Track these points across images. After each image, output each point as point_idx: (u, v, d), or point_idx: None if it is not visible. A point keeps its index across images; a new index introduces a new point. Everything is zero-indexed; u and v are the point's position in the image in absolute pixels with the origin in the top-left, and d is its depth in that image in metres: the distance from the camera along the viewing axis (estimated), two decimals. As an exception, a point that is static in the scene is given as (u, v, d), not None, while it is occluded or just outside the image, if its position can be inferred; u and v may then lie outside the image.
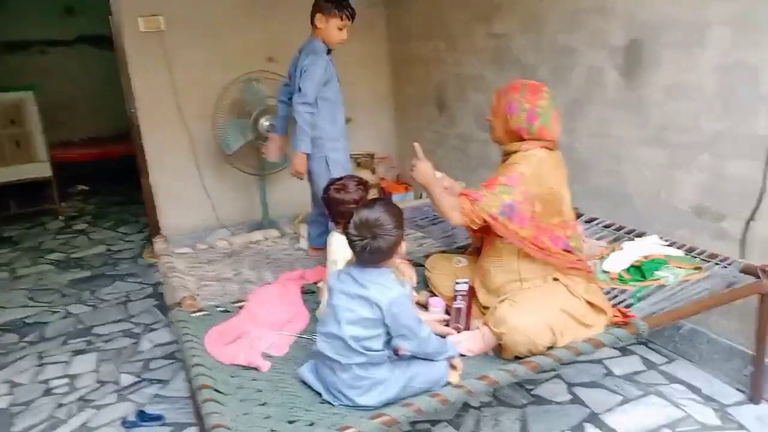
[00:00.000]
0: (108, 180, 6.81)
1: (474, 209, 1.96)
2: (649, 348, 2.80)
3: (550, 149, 2.04)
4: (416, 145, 2.12)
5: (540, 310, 1.91)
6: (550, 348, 1.91)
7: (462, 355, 1.96)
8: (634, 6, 2.67)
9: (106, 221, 5.54)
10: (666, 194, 2.67)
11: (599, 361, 2.70)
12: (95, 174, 6.90)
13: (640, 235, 2.63)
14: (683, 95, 2.51)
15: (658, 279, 2.28)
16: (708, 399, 2.41)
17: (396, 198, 4.69)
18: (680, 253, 2.44)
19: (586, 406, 2.41)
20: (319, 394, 1.79)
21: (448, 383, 1.79)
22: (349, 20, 2.84)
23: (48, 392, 2.79)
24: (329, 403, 1.76)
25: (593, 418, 2.34)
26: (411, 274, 2.26)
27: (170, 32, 4.12)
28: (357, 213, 1.71)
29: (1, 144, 5.29)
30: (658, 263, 2.33)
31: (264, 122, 3.95)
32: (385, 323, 1.67)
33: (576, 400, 2.46)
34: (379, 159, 4.91)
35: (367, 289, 1.67)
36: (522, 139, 2.03)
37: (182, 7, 4.10)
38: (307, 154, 2.92)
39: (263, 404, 1.76)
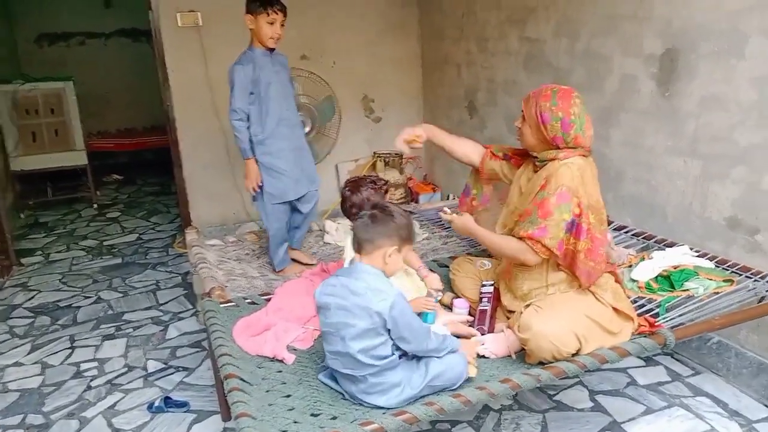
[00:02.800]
0: (141, 171, 6.98)
1: (546, 245, 1.93)
2: (675, 359, 2.77)
3: (585, 156, 2.01)
4: (441, 214, 2.25)
5: (565, 317, 1.90)
6: (575, 354, 1.90)
7: (485, 357, 1.97)
8: (671, 14, 2.64)
9: (138, 211, 5.67)
10: (699, 205, 2.63)
11: (623, 370, 2.68)
12: (129, 164, 7.07)
13: (670, 245, 2.60)
14: (719, 106, 2.48)
15: (687, 290, 2.25)
16: (734, 414, 2.38)
17: (423, 198, 4.71)
18: (711, 265, 2.42)
19: (608, 415, 2.40)
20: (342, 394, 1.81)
21: (468, 378, 1.81)
22: (277, 14, 2.76)
23: (78, 374, 2.88)
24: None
25: (615, 426, 2.33)
26: (438, 285, 2.25)
27: (207, 28, 4.20)
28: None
29: (41, 132, 5.43)
30: (687, 274, 2.31)
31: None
32: (387, 328, 1.66)
33: (598, 408, 2.44)
34: (408, 159, 4.93)
35: (365, 297, 1.66)
36: (557, 148, 1.99)
37: (219, 4, 4.16)
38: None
39: (287, 396, 1.78)
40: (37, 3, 6.63)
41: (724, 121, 2.47)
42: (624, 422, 2.35)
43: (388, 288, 1.69)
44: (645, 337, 1.98)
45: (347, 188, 2.36)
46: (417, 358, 1.77)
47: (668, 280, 2.32)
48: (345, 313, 1.68)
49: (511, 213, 2.14)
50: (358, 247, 1.77)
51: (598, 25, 3.06)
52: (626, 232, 2.85)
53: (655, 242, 2.70)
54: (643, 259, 2.49)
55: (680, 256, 2.44)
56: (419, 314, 1.95)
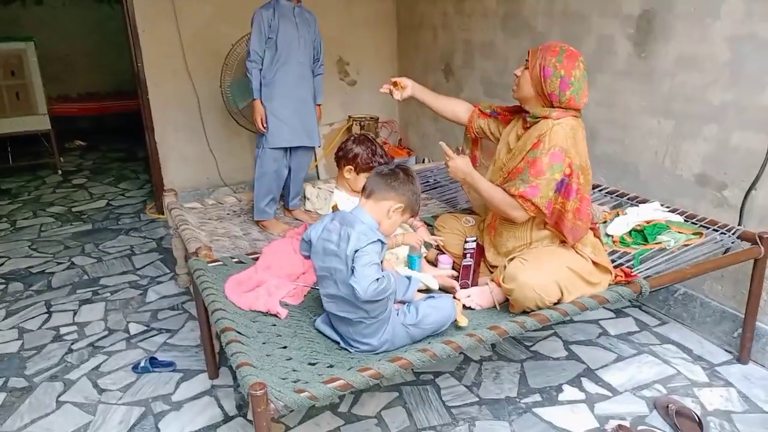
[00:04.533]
0: (104, 137, 6.80)
1: (535, 203, 1.98)
2: (643, 311, 2.91)
3: (576, 117, 2.05)
4: (442, 144, 2.17)
5: (549, 268, 1.98)
6: (557, 304, 1.99)
7: (471, 309, 2.05)
8: (649, -24, 2.69)
9: (105, 177, 5.54)
10: (670, 163, 2.74)
11: (595, 322, 2.81)
12: (91, 130, 6.88)
13: (642, 202, 2.71)
14: (694, 66, 2.56)
15: (660, 243, 2.37)
16: (698, 358, 2.53)
17: (398, 162, 4.73)
18: (681, 219, 2.53)
19: (583, 362, 2.52)
20: (337, 342, 1.86)
21: (456, 324, 1.88)
22: None
23: (58, 338, 2.85)
24: (346, 350, 1.84)
25: (589, 373, 2.45)
26: (427, 238, 2.32)
27: (178, -15, 4.08)
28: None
29: (0, 95, 5.22)
30: (659, 228, 2.42)
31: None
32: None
33: (572, 357, 2.57)
34: (383, 123, 4.93)
35: (350, 244, 1.67)
36: (551, 105, 2.03)
37: (190, -40, 4.07)
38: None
39: (284, 347, 1.83)
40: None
41: (698, 80, 2.55)
42: (597, 369, 2.47)
43: (371, 236, 1.70)
44: (622, 285, 2.09)
45: (355, 136, 2.44)
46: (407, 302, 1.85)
47: (641, 234, 2.43)
48: (336, 259, 1.73)
49: (498, 170, 2.20)
50: (369, 192, 1.80)
51: (575, -13, 3.09)
52: (600, 191, 2.95)
53: (627, 199, 2.81)
54: (617, 215, 2.59)
55: (652, 212, 2.55)
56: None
